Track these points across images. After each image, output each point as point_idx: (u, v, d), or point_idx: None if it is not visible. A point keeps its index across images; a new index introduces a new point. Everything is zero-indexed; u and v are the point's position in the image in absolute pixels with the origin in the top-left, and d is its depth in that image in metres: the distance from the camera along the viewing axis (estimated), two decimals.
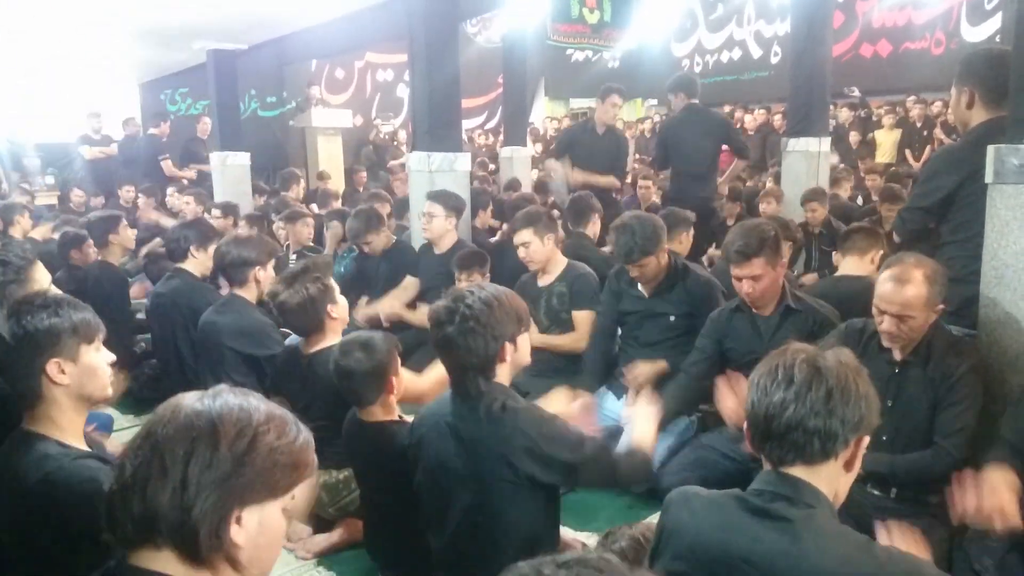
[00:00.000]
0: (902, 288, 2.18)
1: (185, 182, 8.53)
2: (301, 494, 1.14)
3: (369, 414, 2.31)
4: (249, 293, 3.28)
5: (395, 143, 11.60)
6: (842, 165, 7.54)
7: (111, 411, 3.71)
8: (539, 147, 11.97)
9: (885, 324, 2.24)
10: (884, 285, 2.23)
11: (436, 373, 2.32)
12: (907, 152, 9.22)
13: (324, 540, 2.64)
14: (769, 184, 6.62)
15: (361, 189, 8.86)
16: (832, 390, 1.35)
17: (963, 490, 1.89)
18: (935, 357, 2.27)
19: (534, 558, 0.90)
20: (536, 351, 3.35)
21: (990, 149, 2.27)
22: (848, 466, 1.41)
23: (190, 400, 1.08)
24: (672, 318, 3.30)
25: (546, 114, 15.52)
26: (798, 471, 1.38)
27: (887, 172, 7.10)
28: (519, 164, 7.97)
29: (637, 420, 2.11)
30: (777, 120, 9.70)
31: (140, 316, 4.57)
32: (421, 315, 3.85)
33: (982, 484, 1.89)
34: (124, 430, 3.60)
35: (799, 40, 5.83)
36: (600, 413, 3.20)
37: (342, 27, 7.75)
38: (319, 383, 2.59)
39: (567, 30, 7.94)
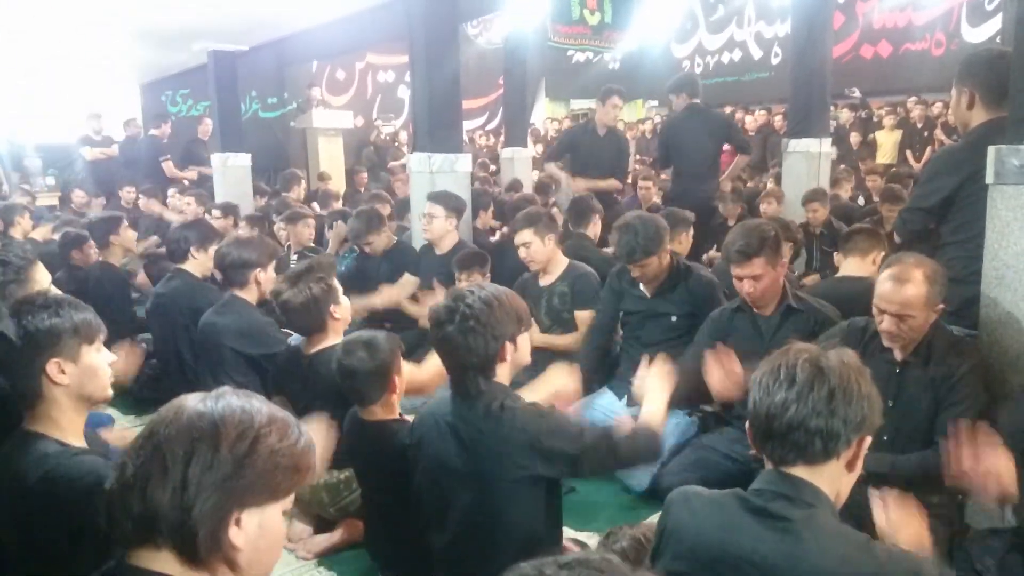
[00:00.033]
0: (902, 287, 2.18)
1: (186, 183, 8.54)
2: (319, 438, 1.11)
3: (370, 413, 2.31)
4: (249, 294, 3.28)
5: (396, 144, 11.61)
6: (842, 166, 7.54)
7: (111, 411, 3.71)
8: (540, 148, 11.98)
9: (885, 323, 2.24)
10: (884, 284, 2.23)
11: (436, 363, 2.31)
12: (908, 153, 9.23)
13: (324, 540, 2.64)
14: (770, 185, 6.63)
15: (362, 190, 8.87)
16: (834, 390, 1.35)
17: (960, 446, 1.86)
18: (936, 357, 2.27)
19: (535, 558, 0.90)
20: (537, 351, 3.37)
21: (990, 150, 2.27)
22: (850, 466, 1.41)
23: (193, 401, 1.09)
24: (674, 318, 3.31)
25: (547, 115, 15.53)
26: (800, 471, 1.39)
27: (888, 173, 7.10)
28: (520, 165, 7.98)
29: (648, 394, 2.10)
30: (778, 121, 9.70)
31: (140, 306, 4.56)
32: (421, 309, 3.85)
33: (980, 443, 1.85)
34: (124, 431, 3.60)
35: (800, 41, 5.84)
36: (600, 412, 3.21)
37: (343, 28, 7.76)
38: (320, 383, 2.59)
39: (568, 31, 7.92)
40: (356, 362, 2.24)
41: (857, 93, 10.27)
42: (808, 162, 5.82)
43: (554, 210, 5.08)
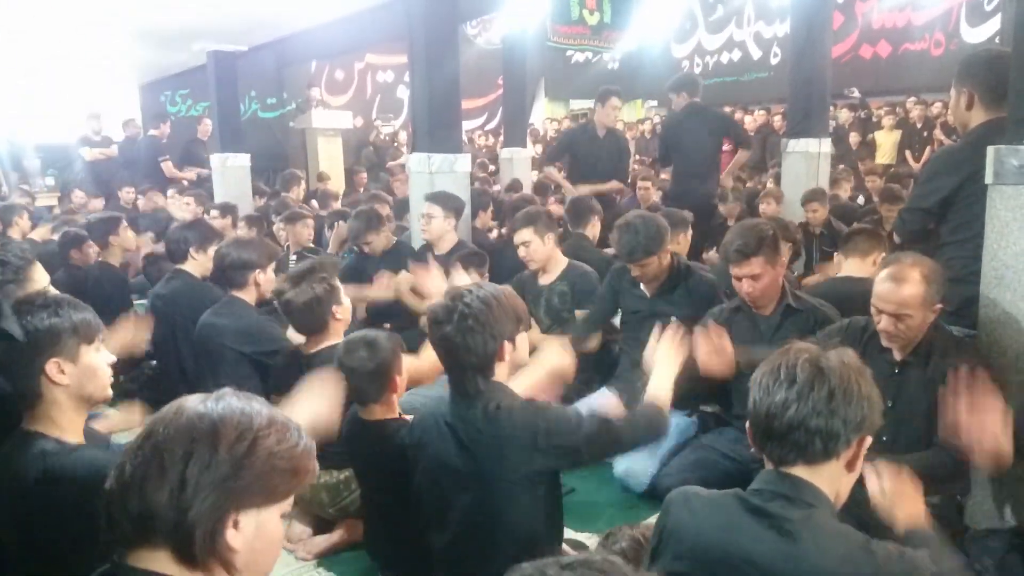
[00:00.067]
0: (899, 287, 2.19)
1: (185, 183, 8.54)
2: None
3: (370, 413, 2.31)
4: (248, 295, 3.27)
5: (395, 144, 11.61)
6: (841, 166, 7.55)
7: (111, 412, 3.70)
8: (539, 148, 11.99)
9: (883, 323, 2.24)
10: (881, 284, 2.23)
11: (433, 353, 2.29)
12: (907, 153, 9.24)
13: (324, 541, 2.64)
14: (769, 185, 6.63)
15: (361, 190, 8.87)
16: (834, 390, 1.35)
17: (957, 396, 1.85)
18: (935, 357, 2.27)
19: (535, 558, 0.90)
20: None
21: (990, 150, 2.27)
22: (850, 466, 1.42)
23: (193, 402, 1.09)
24: (674, 318, 3.30)
25: (546, 115, 15.54)
26: (799, 471, 1.39)
27: (887, 173, 7.11)
28: (519, 165, 7.98)
29: (657, 366, 2.08)
30: (777, 121, 9.71)
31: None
32: (420, 304, 3.83)
33: (978, 394, 1.84)
34: (124, 431, 3.59)
35: (799, 41, 5.84)
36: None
37: (342, 28, 7.76)
38: None
39: (567, 31, 7.93)
40: (357, 361, 2.24)
41: (856, 93, 10.28)
42: (807, 162, 5.82)
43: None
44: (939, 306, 2.24)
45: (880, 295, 2.23)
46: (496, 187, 7.97)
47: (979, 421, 1.81)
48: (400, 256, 4.55)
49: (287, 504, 1.11)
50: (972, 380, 1.85)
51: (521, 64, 7.98)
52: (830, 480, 1.40)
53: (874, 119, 9.93)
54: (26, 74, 10.52)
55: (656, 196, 6.40)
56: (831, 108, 7.51)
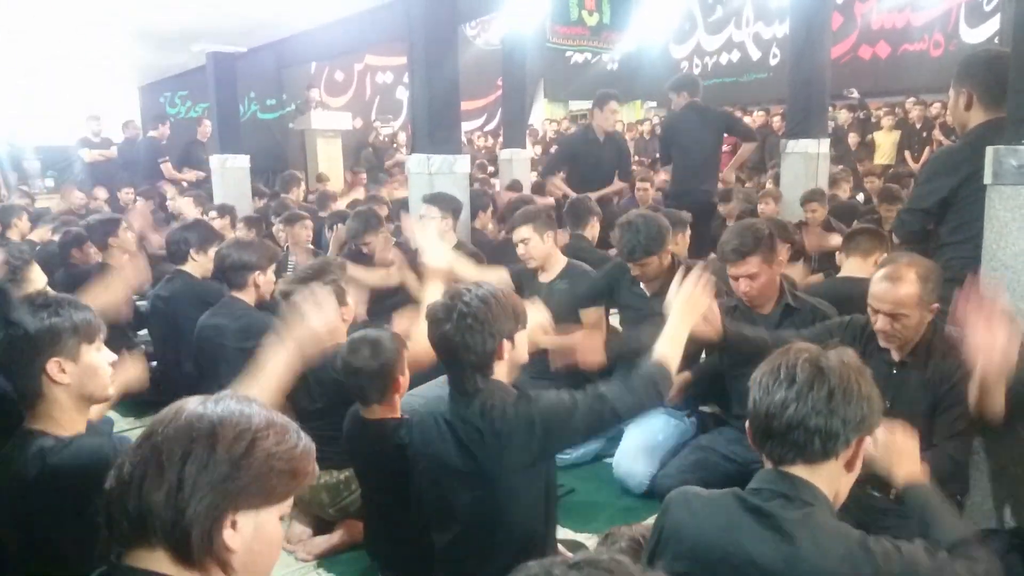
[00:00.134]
0: (894, 286, 2.19)
1: (184, 184, 8.54)
2: None
3: (371, 412, 2.32)
4: (248, 296, 3.28)
5: (395, 145, 11.61)
6: (840, 166, 7.55)
7: (111, 413, 3.70)
8: (538, 149, 11.99)
9: (879, 323, 2.24)
10: (877, 284, 2.24)
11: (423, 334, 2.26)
12: (906, 153, 9.24)
13: (324, 542, 2.65)
14: (768, 185, 6.63)
15: (361, 189, 8.86)
16: (834, 390, 1.36)
17: (972, 295, 1.87)
18: (935, 358, 2.27)
19: (533, 558, 0.91)
20: (540, 352, 3.35)
21: (989, 150, 2.27)
22: (849, 466, 1.42)
23: (192, 404, 1.10)
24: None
25: (545, 116, 15.54)
26: (799, 470, 1.39)
27: (886, 173, 7.11)
28: (518, 166, 7.98)
29: (673, 312, 2.05)
30: (776, 122, 9.71)
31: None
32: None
33: (991, 309, 1.86)
34: (123, 432, 3.60)
35: (798, 42, 5.85)
36: None
37: (341, 29, 7.76)
38: (320, 383, 2.60)
39: (566, 32, 7.93)
40: (361, 361, 2.25)
41: (855, 94, 10.28)
42: (806, 163, 5.82)
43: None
44: (936, 306, 2.25)
45: (876, 295, 2.24)
46: (494, 189, 7.97)
47: (989, 331, 1.83)
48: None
49: (286, 505, 1.12)
50: (987, 299, 1.87)
51: (520, 65, 7.98)
52: (829, 480, 1.40)
53: (873, 120, 9.94)
54: (26, 74, 10.51)
55: (654, 196, 6.40)
56: (830, 109, 7.52)
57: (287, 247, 5.28)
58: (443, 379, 2.06)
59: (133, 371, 2.24)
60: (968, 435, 2.24)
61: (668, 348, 1.98)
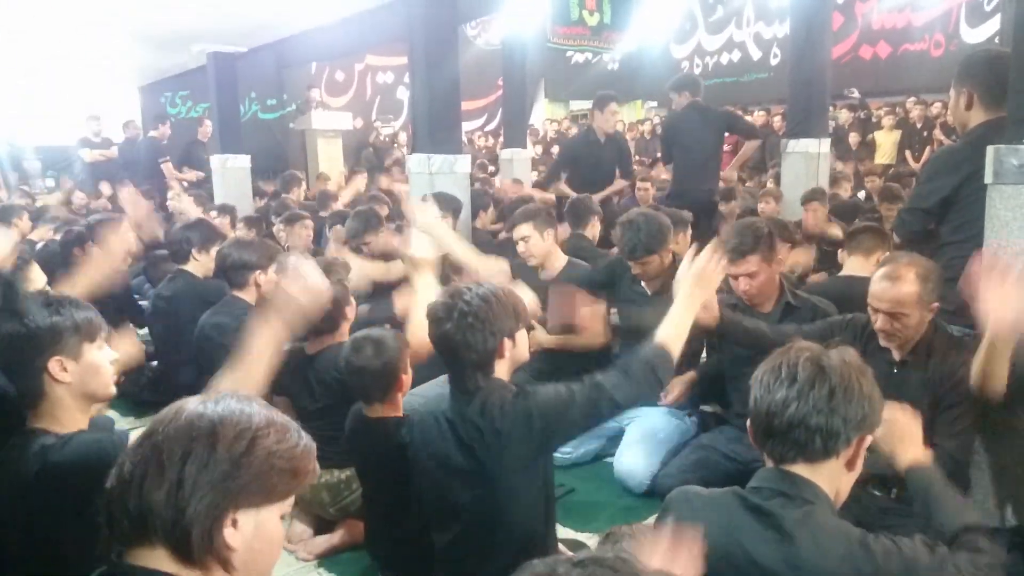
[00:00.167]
0: (894, 285, 2.19)
1: (185, 184, 8.53)
2: None
3: (373, 410, 2.32)
4: (249, 296, 3.28)
5: (395, 145, 11.61)
6: (840, 166, 7.55)
7: (112, 413, 3.71)
8: (539, 149, 11.98)
9: (879, 322, 2.25)
10: (876, 283, 2.24)
11: (419, 319, 2.22)
12: (907, 153, 9.24)
13: (325, 541, 2.65)
14: (769, 184, 6.63)
15: (362, 189, 8.86)
16: (835, 388, 1.36)
17: (979, 266, 1.88)
18: (935, 357, 2.27)
19: (534, 557, 0.91)
20: (548, 352, 3.35)
21: (989, 150, 2.27)
22: (850, 465, 1.42)
23: (193, 403, 1.10)
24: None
25: (546, 116, 15.54)
26: (799, 469, 1.39)
27: (887, 173, 7.11)
28: (519, 166, 7.98)
29: (681, 293, 2.01)
30: (777, 122, 9.71)
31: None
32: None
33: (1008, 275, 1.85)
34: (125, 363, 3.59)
35: (798, 42, 5.85)
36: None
37: (342, 30, 7.76)
38: (321, 382, 2.60)
39: (567, 32, 7.94)
40: (364, 360, 2.26)
41: (856, 93, 10.28)
42: (807, 162, 5.83)
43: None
44: (936, 305, 2.24)
45: (875, 294, 2.24)
46: (497, 183, 7.97)
47: (1002, 289, 1.82)
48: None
49: (287, 504, 1.12)
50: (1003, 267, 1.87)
51: (521, 65, 7.98)
52: (830, 478, 1.40)
53: (874, 119, 9.94)
54: (26, 74, 10.52)
55: (655, 195, 6.40)
56: (831, 108, 7.52)
57: (287, 247, 5.28)
58: (444, 378, 2.06)
59: (126, 346, 2.22)
60: (969, 434, 2.24)
61: (672, 330, 1.95)
